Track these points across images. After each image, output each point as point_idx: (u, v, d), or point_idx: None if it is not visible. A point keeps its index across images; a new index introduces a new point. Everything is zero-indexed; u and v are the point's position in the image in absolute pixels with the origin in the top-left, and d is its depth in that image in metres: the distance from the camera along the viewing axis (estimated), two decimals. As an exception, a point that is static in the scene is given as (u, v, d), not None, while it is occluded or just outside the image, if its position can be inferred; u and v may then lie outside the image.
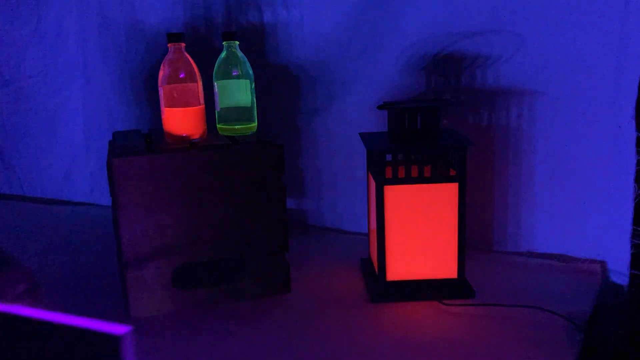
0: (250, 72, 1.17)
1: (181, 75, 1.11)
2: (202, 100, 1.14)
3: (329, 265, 1.31)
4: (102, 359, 0.42)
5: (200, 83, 1.13)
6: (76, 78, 1.70)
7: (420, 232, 1.12)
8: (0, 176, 1.89)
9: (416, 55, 1.31)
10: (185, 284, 1.12)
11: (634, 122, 1.15)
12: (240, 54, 1.17)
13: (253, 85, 1.18)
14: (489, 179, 1.31)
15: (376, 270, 1.16)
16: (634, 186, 1.17)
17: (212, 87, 1.18)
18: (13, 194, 1.89)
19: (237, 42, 1.16)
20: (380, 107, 1.14)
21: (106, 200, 1.25)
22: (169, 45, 1.11)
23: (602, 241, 1.23)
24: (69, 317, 0.43)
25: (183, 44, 1.11)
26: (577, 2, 1.15)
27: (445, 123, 1.31)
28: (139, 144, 1.12)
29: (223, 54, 1.17)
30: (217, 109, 1.19)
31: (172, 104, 1.12)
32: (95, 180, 1.76)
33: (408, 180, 1.09)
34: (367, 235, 1.30)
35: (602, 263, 1.23)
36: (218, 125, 1.20)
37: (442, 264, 1.13)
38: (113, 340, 0.41)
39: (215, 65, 1.17)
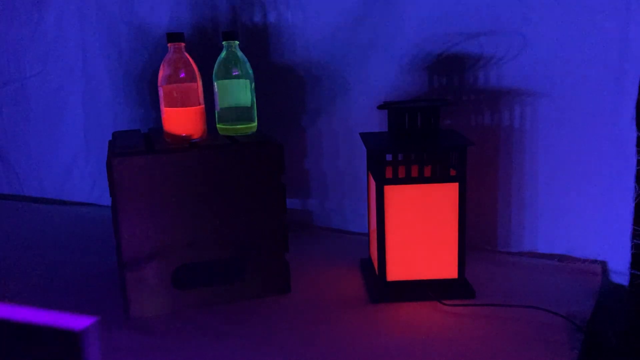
0: (250, 72, 1.17)
1: (181, 75, 1.11)
2: (202, 100, 1.14)
3: (330, 265, 1.31)
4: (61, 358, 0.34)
5: (200, 83, 1.13)
6: (76, 78, 1.70)
7: (420, 232, 1.12)
8: (0, 176, 1.89)
9: (419, 55, 1.31)
10: (185, 284, 1.12)
11: (634, 122, 1.15)
12: (240, 53, 1.17)
13: (253, 85, 1.18)
14: (492, 179, 1.31)
15: (376, 270, 1.15)
16: (634, 186, 1.17)
17: (212, 87, 1.18)
18: (13, 194, 1.89)
19: (237, 42, 1.16)
20: (380, 107, 1.14)
21: (106, 200, 1.25)
22: (168, 45, 1.11)
23: (602, 241, 1.23)
24: (23, 311, 0.36)
25: (183, 44, 1.11)
26: (578, 3, 1.15)
27: (448, 123, 1.31)
28: (139, 144, 1.12)
29: (223, 54, 1.17)
30: (217, 109, 1.19)
31: (172, 104, 1.12)
32: (95, 180, 1.76)
33: (408, 180, 1.09)
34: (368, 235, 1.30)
35: (603, 263, 1.23)
36: (218, 125, 1.20)
37: (442, 264, 1.13)
38: (71, 337, 0.34)
39: (215, 65, 1.17)
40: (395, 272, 1.14)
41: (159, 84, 1.12)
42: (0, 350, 0.35)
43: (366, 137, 1.18)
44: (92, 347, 0.34)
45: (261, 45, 1.45)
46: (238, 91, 1.18)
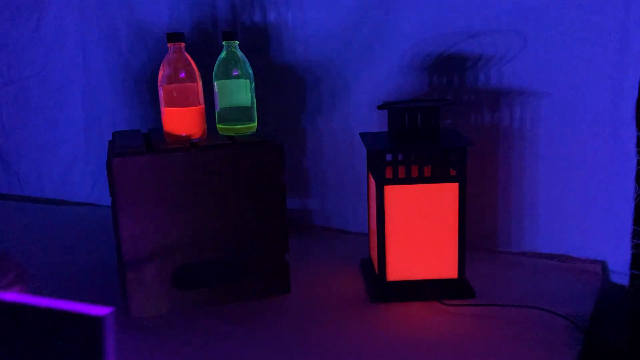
0: (250, 71, 1.17)
1: (181, 75, 1.11)
2: (202, 100, 1.14)
3: (330, 265, 1.31)
4: (83, 340, 0.41)
5: (200, 83, 1.13)
6: (76, 78, 1.70)
7: (420, 232, 1.12)
8: (0, 176, 1.89)
9: (419, 54, 1.31)
10: (185, 284, 1.12)
11: (634, 122, 1.15)
12: (240, 53, 1.17)
13: (253, 85, 1.18)
14: (492, 179, 1.31)
15: (376, 270, 1.15)
16: (634, 186, 1.17)
17: (212, 87, 1.18)
18: (13, 194, 1.89)
19: (237, 42, 1.16)
20: (380, 107, 1.14)
21: (106, 200, 1.25)
22: (168, 45, 1.11)
23: (602, 241, 1.23)
24: (53, 301, 0.43)
25: (183, 44, 1.11)
26: (578, 3, 1.15)
27: (448, 123, 1.31)
28: (139, 144, 1.12)
29: (223, 54, 1.17)
30: (217, 109, 1.19)
31: (172, 104, 1.12)
32: (95, 180, 1.76)
33: (408, 180, 1.09)
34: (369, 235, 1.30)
35: (603, 263, 1.23)
36: (218, 125, 1.20)
37: (442, 264, 1.13)
38: (94, 322, 0.41)
39: (215, 65, 1.17)
40: (395, 272, 1.14)
41: (159, 84, 1.12)
42: (31, 333, 0.42)
43: (366, 137, 1.18)
44: (110, 332, 0.41)
45: (261, 45, 1.45)
46: (238, 91, 1.17)
